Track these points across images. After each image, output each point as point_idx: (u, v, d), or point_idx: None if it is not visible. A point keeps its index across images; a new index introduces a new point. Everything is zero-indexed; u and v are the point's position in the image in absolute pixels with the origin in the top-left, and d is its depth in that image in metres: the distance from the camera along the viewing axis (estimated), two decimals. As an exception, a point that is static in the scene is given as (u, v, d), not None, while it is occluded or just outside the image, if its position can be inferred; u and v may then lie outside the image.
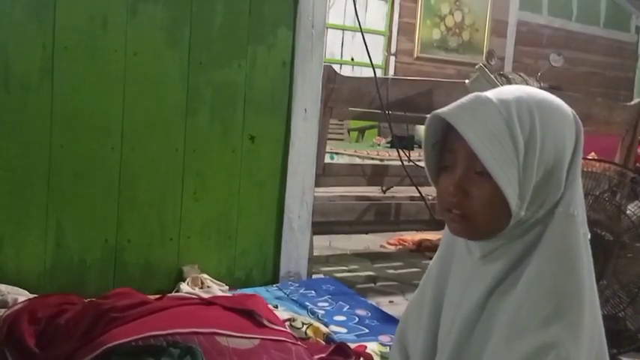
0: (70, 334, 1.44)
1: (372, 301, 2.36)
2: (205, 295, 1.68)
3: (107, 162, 1.97)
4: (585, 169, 1.97)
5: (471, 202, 0.86)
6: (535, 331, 0.80)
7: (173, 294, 1.79)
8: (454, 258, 0.98)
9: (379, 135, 5.31)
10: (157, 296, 1.66)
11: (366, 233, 3.52)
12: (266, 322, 1.54)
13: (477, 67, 2.39)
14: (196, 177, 2.13)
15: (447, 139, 0.90)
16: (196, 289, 1.98)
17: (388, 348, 1.68)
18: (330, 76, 2.50)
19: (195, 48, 2.06)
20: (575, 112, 0.89)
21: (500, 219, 0.85)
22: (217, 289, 1.99)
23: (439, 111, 0.86)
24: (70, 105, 1.91)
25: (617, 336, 1.89)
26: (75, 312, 1.50)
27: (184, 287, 1.98)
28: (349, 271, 3.13)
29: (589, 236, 0.88)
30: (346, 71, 5.64)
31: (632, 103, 3.36)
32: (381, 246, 3.68)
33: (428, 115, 0.90)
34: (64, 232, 1.94)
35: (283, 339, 1.50)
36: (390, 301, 2.57)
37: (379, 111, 2.68)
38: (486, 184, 0.84)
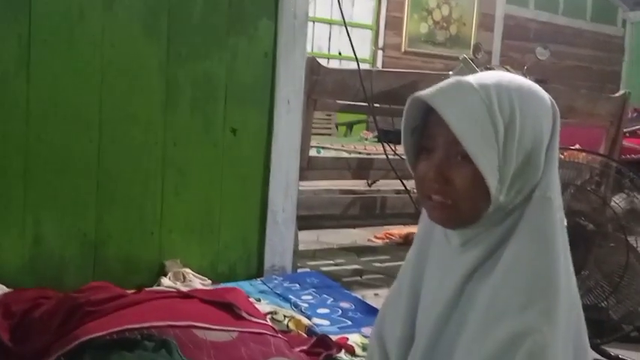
0: (45, 328, 1.42)
1: (358, 293, 2.35)
2: (184, 289, 1.66)
3: (85, 155, 1.94)
4: (568, 160, 1.97)
5: (451, 187, 0.85)
6: (511, 317, 0.80)
7: (151, 288, 1.77)
8: (431, 247, 0.97)
9: (367, 129, 5.30)
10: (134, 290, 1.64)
11: (353, 227, 3.52)
12: (245, 315, 1.53)
13: (461, 58, 2.38)
14: (177, 171, 2.11)
15: (426, 124, 0.89)
16: (178, 283, 1.96)
17: (370, 340, 1.67)
18: (314, 68, 2.48)
19: (174, 39, 2.03)
20: (552, 98, 0.89)
21: (480, 204, 0.84)
22: (198, 283, 1.97)
23: (420, 93, 0.85)
24: (47, 97, 1.88)
25: (600, 326, 1.89)
26: (49, 306, 1.48)
27: (165, 281, 1.95)
28: (335, 264, 3.11)
29: (565, 222, 0.88)
30: (334, 65, 5.62)
31: (616, 94, 3.36)
32: (368, 240, 3.68)
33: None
34: (43, 227, 1.91)
35: (263, 331, 1.48)
36: (376, 294, 2.56)
37: (364, 103, 2.67)
38: (466, 168, 0.83)
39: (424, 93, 0.85)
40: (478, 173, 0.82)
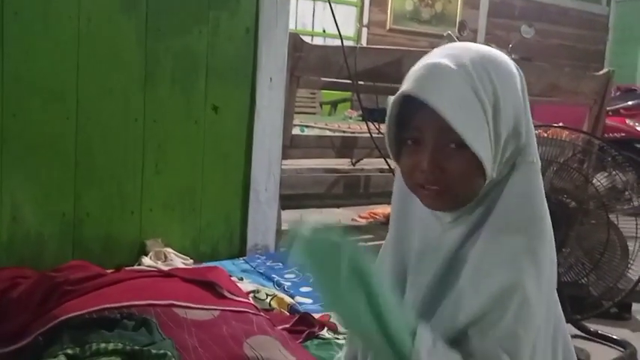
0: (23, 307, 1.39)
1: (341, 272, 2.34)
2: (165, 268, 1.64)
3: (62, 132, 1.89)
4: (551, 137, 1.97)
5: (447, 175, 0.84)
6: (500, 271, 0.81)
7: (132, 267, 1.75)
8: (414, 223, 0.96)
9: (351, 108, 5.27)
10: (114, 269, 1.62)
11: (337, 207, 3.51)
12: (227, 294, 1.52)
13: (445, 34, 2.36)
14: (157, 148, 2.07)
15: (407, 114, 0.86)
16: (159, 262, 1.94)
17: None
18: (297, 45, 2.44)
19: (152, 13, 1.98)
20: (515, 63, 0.88)
21: (475, 185, 0.84)
22: (180, 263, 1.95)
23: (407, 90, 0.82)
24: (22, 73, 1.82)
25: (580, 302, 1.91)
26: (28, 285, 1.45)
27: (146, 261, 1.93)
28: (319, 244, 3.10)
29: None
30: (318, 43, 5.54)
31: (600, 73, 3.36)
32: (352, 220, 3.68)
33: (396, 86, 0.86)
34: (20, 206, 1.87)
35: (244, 310, 1.47)
36: (359, 273, 2.55)
37: (348, 81, 2.64)
38: (461, 155, 0.82)
39: (410, 89, 0.82)
40: (472, 157, 0.81)
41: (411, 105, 0.83)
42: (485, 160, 0.80)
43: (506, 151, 0.84)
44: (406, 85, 0.83)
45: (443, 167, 0.83)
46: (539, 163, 0.87)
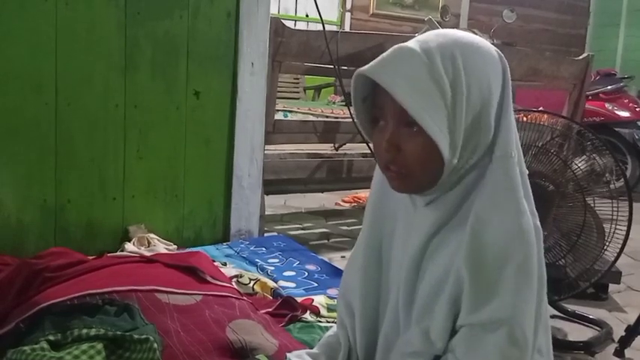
0: (4, 294, 1.39)
1: (325, 256, 2.37)
2: (147, 253, 1.64)
3: (41, 118, 1.87)
4: (531, 122, 1.99)
5: (405, 156, 0.85)
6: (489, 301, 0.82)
7: (114, 253, 1.75)
8: (392, 206, 0.98)
9: (335, 93, 5.26)
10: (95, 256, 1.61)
11: (320, 192, 3.53)
12: (209, 279, 1.52)
13: (426, 19, 2.36)
14: (139, 134, 2.06)
15: (375, 93, 0.88)
16: (142, 248, 1.94)
17: (336, 300, 1.69)
18: (278, 29, 2.43)
19: (131, -3, 1.96)
20: (501, 53, 0.89)
21: (435, 169, 0.85)
22: (162, 248, 1.95)
23: (362, 69, 0.85)
24: (-2, 59, 1.80)
25: (557, 283, 1.94)
26: (8, 272, 1.45)
27: (129, 247, 1.93)
28: (303, 228, 3.13)
29: (527, 173, 0.89)
30: (301, 28, 5.52)
31: (579, 57, 3.39)
32: (336, 204, 3.70)
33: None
34: (-1, 193, 1.86)
35: (227, 294, 1.48)
36: (342, 257, 2.58)
37: (330, 66, 2.64)
38: (418, 136, 0.83)
39: (366, 68, 0.84)
40: (430, 139, 0.81)
41: (378, 86, 0.85)
42: (439, 141, 0.81)
43: (470, 137, 0.84)
44: (366, 66, 0.85)
45: (400, 147, 0.85)
46: (518, 157, 0.87)
